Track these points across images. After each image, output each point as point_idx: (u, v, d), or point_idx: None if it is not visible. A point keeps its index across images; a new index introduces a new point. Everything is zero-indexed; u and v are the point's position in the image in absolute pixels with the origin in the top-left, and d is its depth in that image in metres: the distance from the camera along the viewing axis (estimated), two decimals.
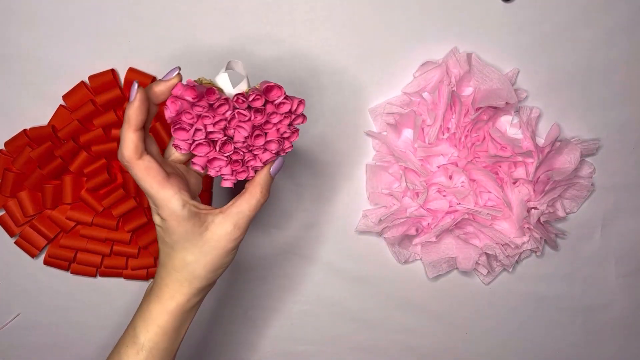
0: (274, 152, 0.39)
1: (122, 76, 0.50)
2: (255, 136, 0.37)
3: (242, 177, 0.39)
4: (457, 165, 0.51)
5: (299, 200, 0.54)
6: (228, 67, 0.37)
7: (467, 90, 0.50)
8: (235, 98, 0.36)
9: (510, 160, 0.50)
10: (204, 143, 0.37)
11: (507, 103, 0.48)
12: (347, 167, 0.54)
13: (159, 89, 0.35)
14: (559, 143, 0.51)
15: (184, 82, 0.35)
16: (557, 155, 0.51)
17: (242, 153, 0.38)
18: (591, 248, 0.57)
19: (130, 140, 0.34)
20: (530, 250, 0.55)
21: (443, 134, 0.51)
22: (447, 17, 0.50)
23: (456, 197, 0.52)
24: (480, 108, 0.48)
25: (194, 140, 0.37)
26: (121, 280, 0.56)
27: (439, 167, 0.51)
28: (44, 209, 0.52)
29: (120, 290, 0.56)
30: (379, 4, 0.50)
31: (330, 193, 0.54)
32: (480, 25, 0.50)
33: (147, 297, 0.39)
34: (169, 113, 0.35)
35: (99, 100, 0.49)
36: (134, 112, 0.34)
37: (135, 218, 0.52)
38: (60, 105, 0.50)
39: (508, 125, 0.50)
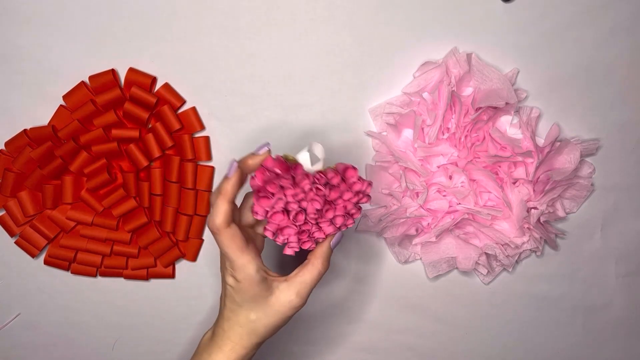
0: (338, 225, 0.42)
1: (122, 76, 0.51)
2: (326, 210, 0.41)
3: (305, 246, 0.43)
4: (457, 165, 0.51)
5: None
6: (309, 148, 0.41)
7: (467, 91, 0.50)
8: (315, 174, 0.39)
9: (510, 160, 0.50)
10: (280, 212, 0.40)
11: (507, 103, 0.48)
12: None
13: (253, 162, 0.39)
14: (559, 143, 0.51)
15: (273, 156, 0.39)
16: (557, 155, 0.51)
17: (310, 224, 0.41)
18: (591, 248, 0.57)
19: (222, 211, 0.38)
20: (530, 250, 0.55)
21: (443, 134, 0.51)
22: (447, 17, 0.50)
23: (456, 197, 0.52)
24: (480, 108, 0.48)
25: (272, 208, 0.40)
26: (121, 280, 0.56)
27: (438, 167, 0.52)
28: (44, 209, 0.52)
29: (121, 290, 0.56)
30: (379, 4, 0.50)
31: None
32: (480, 25, 0.50)
33: (207, 347, 0.42)
34: (256, 182, 0.39)
35: (99, 100, 0.49)
36: (231, 187, 0.38)
37: (135, 218, 0.52)
38: (61, 105, 0.51)
39: (508, 125, 0.50)
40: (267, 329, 0.41)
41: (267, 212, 0.40)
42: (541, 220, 0.52)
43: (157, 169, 0.51)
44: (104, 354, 0.58)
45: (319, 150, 0.41)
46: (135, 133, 0.50)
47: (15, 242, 0.53)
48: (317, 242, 0.43)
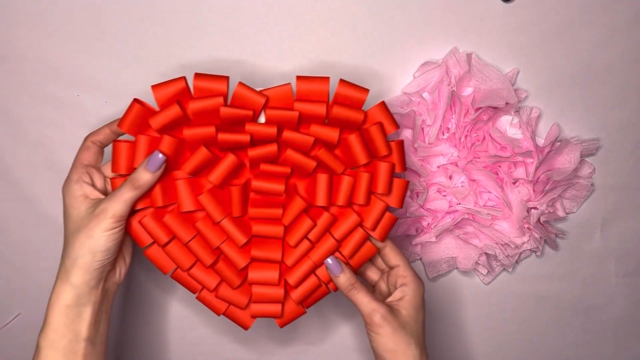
0: None
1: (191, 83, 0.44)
2: None
3: None
4: (457, 165, 0.51)
5: None
6: None
7: (467, 91, 0.50)
8: None
9: (510, 160, 0.50)
10: None
11: (507, 103, 0.48)
12: None
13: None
14: (559, 143, 0.51)
15: None
16: (557, 155, 0.51)
17: None
18: (591, 248, 0.57)
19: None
20: (530, 250, 0.55)
21: (443, 134, 0.51)
22: (447, 17, 0.50)
23: (456, 197, 0.52)
24: (480, 108, 0.48)
25: None
26: None
27: (438, 167, 0.52)
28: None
29: (121, 290, 0.56)
30: (379, 4, 0.50)
31: None
32: (480, 25, 0.50)
33: None
34: None
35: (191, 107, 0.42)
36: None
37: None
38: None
39: (508, 125, 0.50)
40: None
41: None
42: (541, 220, 0.52)
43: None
44: None
45: None
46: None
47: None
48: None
